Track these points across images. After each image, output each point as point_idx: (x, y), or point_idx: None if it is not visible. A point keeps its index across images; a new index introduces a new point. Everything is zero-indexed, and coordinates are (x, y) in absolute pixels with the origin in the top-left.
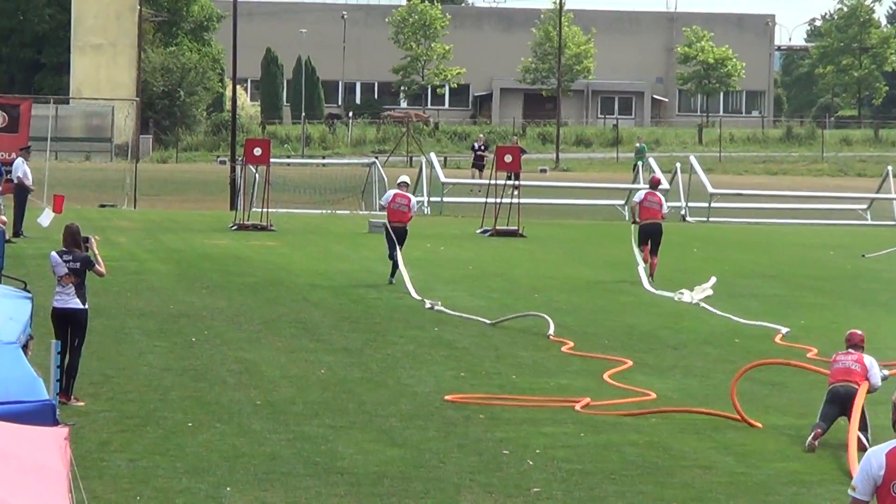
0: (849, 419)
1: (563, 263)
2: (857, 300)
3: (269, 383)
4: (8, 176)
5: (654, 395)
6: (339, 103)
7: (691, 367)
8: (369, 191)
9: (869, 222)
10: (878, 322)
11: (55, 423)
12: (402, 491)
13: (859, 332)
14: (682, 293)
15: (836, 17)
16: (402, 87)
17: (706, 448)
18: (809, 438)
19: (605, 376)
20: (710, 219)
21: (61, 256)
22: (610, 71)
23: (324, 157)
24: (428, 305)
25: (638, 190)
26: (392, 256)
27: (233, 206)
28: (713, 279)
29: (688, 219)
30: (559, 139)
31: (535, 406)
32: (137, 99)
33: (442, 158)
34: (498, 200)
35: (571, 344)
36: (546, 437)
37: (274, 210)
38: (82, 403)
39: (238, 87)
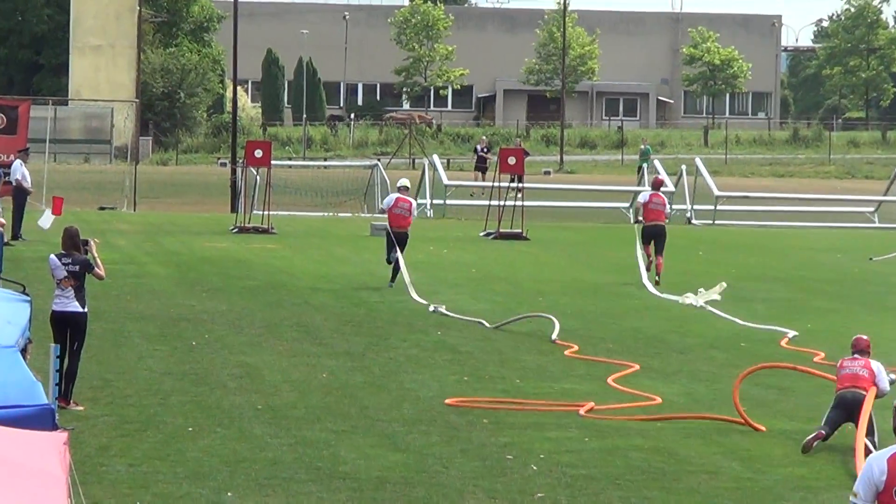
0: (856, 425)
1: (568, 266)
2: (864, 304)
3: (270, 387)
4: (6, 178)
5: (659, 400)
6: (341, 105)
7: (697, 371)
8: (371, 193)
9: (877, 225)
10: (885, 326)
11: (54, 427)
12: (404, 496)
13: (865, 337)
14: (687, 297)
15: (843, 18)
16: (405, 89)
17: (712, 453)
18: (809, 437)
19: (610, 380)
20: (716, 221)
21: (60, 259)
22: (614, 72)
23: (325, 160)
24: (431, 309)
25: (644, 192)
26: (390, 260)
27: (233, 208)
28: (723, 284)
29: (693, 221)
30: (563, 141)
31: (539, 410)
32: (137, 100)
33: (445, 160)
34: (501, 203)
35: (576, 347)
36: (550, 441)
37: (275, 213)
38: (81, 408)
39: (239, 88)
